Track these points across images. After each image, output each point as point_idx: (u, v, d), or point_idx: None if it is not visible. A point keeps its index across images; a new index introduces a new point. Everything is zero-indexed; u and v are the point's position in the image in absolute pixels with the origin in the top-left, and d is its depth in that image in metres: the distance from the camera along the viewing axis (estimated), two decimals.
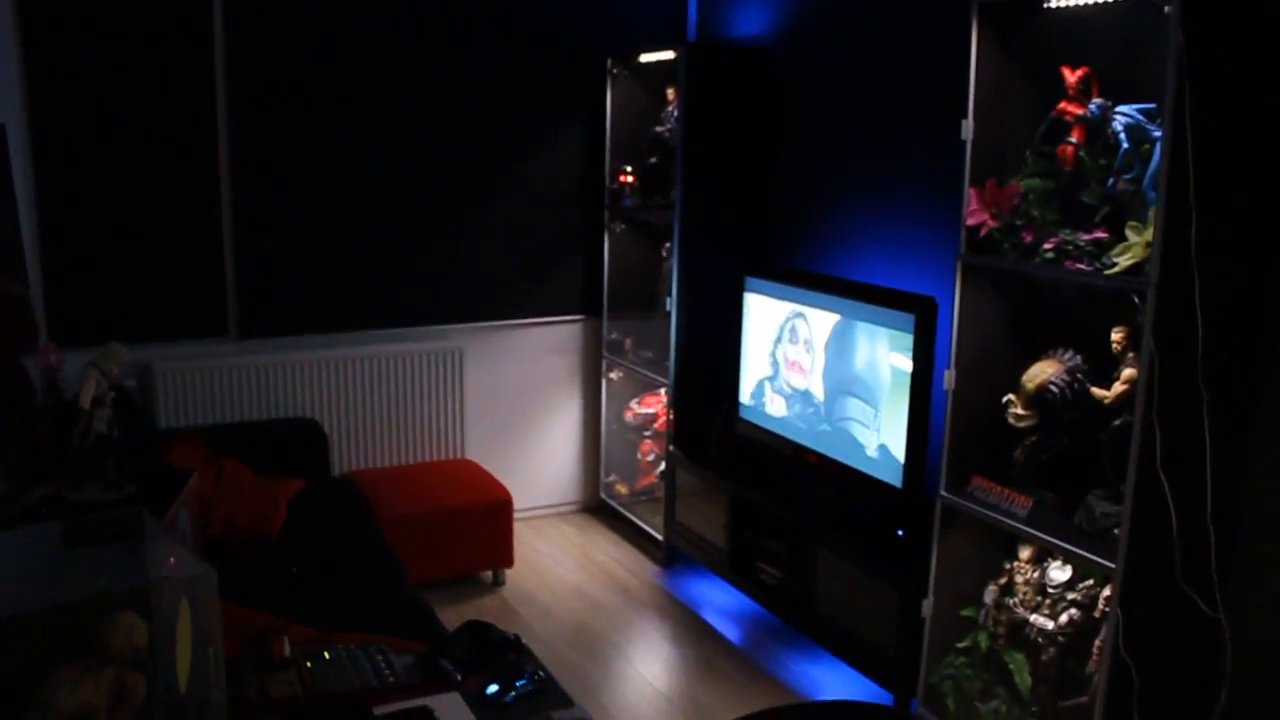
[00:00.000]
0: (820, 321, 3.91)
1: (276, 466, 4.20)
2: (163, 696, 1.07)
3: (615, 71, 5.01)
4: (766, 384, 4.26)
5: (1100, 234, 2.81)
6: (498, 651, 2.20)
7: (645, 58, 4.86)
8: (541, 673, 2.11)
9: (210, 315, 4.48)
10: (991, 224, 3.07)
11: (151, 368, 4.33)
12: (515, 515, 4.59)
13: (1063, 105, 2.95)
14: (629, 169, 4.99)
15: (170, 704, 1.24)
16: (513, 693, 2.02)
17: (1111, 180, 2.83)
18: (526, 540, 5.01)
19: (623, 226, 5.15)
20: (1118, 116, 2.83)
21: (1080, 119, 2.92)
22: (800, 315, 4.02)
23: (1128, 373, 2.83)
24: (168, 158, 4.28)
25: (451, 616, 2.69)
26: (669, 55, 4.66)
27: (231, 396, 4.49)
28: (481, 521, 4.47)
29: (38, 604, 0.96)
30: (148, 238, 4.30)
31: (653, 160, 4.85)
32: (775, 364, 4.19)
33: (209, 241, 4.42)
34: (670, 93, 4.82)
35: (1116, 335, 2.86)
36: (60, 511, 2.20)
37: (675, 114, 4.65)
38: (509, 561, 4.57)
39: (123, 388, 3.94)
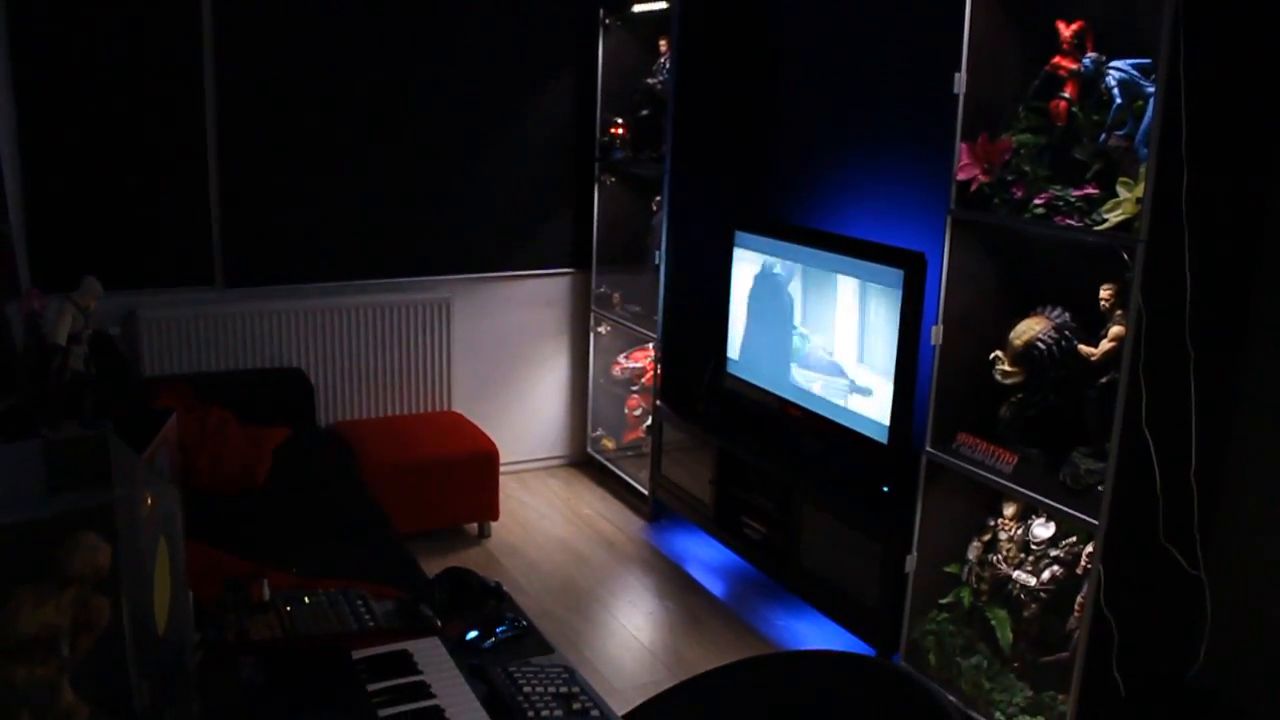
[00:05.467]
0: (809, 276, 3.89)
1: (262, 416, 4.19)
2: (131, 620, 1.06)
3: (607, 22, 4.95)
4: (754, 337, 4.25)
5: (1091, 190, 2.79)
6: (478, 598, 2.20)
7: (638, 8, 4.80)
8: (522, 620, 2.11)
9: (196, 263, 4.44)
10: (982, 179, 3.05)
11: (136, 315, 4.30)
12: (501, 468, 4.59)
13: (1056, 60, 2.92)
14: (620, 121, 4.95)
15: (145, 639, 1.23)
16: (492, 639, 2.02)
17: (1103, 136, 2.81)
18: (512, 493, 5.01)
19: (613, 179, 5.11)
20: (1111, 72, 2.80)
21: (1074, 74, 2.89)
22: (790, 269, 4.00)
23: (1115, 330, 2.82)
24: (154, 103, 4.23)
25: (436, 568, 2.68)
26: (662, 6, 4.60)
27: (217, 345, 4.46)
28: (467, 474, 4.47)
29: None
30: (133, 184, 4.25)
31: (644, 113, 4.80)
32: (763, 318, 4.18)
33: (195, 188, 4.38)
34: (663, 44, 4.77)
35: (1105, 292, 2.85)
36: (22, 432, 2.20)
37: (667, 66, 4.61)
38: (494, 514, 4.57)
39: (105, 333, 3.93)
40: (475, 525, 4.61)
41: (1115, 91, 2.77)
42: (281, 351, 4.60)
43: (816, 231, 4.10)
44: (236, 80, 4.36)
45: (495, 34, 4.82)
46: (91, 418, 2.08)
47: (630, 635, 3.86)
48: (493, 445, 4.56)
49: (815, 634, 3.88)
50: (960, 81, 3.05)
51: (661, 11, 4.64)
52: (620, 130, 4.94)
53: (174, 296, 4.42)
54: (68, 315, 2.25)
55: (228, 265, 4.49)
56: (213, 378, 4.38)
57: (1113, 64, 2.81)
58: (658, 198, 4.75)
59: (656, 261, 4.68)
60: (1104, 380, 2.86)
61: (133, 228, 4.29)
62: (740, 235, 4.30)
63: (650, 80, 4.85)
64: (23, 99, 4.00)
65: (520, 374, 5.27)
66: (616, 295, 5.17)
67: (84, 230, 4.19)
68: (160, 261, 4.38)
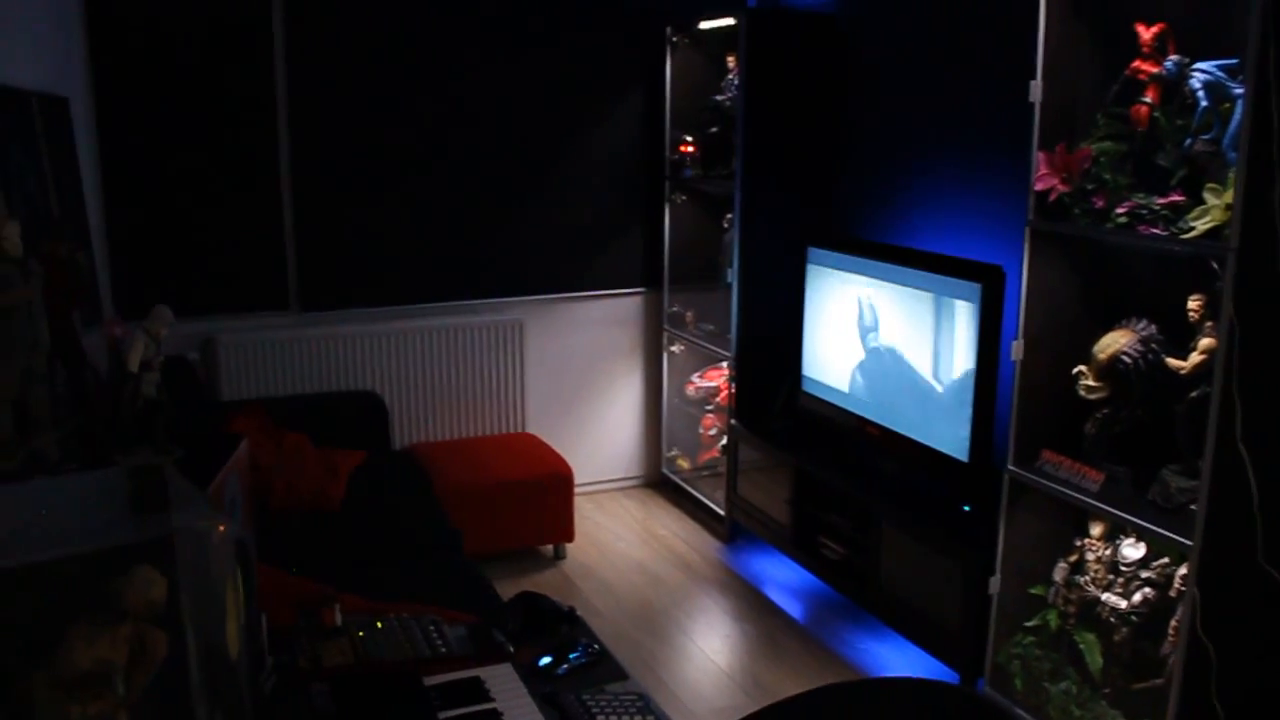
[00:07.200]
0: (885, 292, 3.83)
1: (337, 439, 4.22)
2: (198, 651, 1.04)
3: (675, 39, 4.94)
4: (830, 355, 4.19)
5: (1176, 197, 2.70)
6: (551, 623, 2.17)
7: (705, 25, 4.78)
8: (596, 645, 2.08)
9: (272, 288, 4.51)
10: (1061, 189, 2.97)
11: (214, 340, 4.37)
12: (576, 489, 4.57)
13: (1136, 64, 2.84)
14: (689, 139, 4.92)
15: (214, 667, 1.22)
16: (565, 665, 1.99)
17: (1189, 141, 2.71)
18: (587, 514, 4.99)
19: (683, 197, 5.09)
20: (1196, 74, 2.71)
21: (1155, 78, 2.80)
22: (864, 285, 3.94)
23: (1205, 342, 2.72)
24: (230, 132, 4.31)
25: (511, 590, 2.67)
26: (729, 22, 4.58)
27: (293, 369, 4.52)
28: (542, 495, 4.46)
29: (53, 556, 0.94)
30: (210, 212, 4.34)
31: (713, 130, 4.78)
32: (839, 334, 4.11)
33: (271, 215, 4.45)
34: (731, 61, 4.74)
35: (1193, 303, 2.75)
36: (97, 459, 2.24)
37: (736, 82, 4.57)
38: (569, 536, 4.55)
39: (184, 358, 3.98)
40: (550, 547, 4.60)
41: (1200, 94, 2.68)
42: (356, 374, 4.64)
43: (891, 246, 4.03)
44: (309, 108, 4.42)
45: (563, 54, 4.83)
46: (163, 444, 2.11)
47: (707, 659, 3.80)
48: (567, 466, 4.55)
49: (896, 657, 3.79)
50: (1036, 89, 2.98)
51: (729, 28, 4.62)
52: (690, 148, 4.92)
53: (251, 322, 4.49)
54: (139, 343, 2.28)
55: (303, 290, 4.55)
56: (289, 401, 4.43)
57: (1197, 66, 2.71)
58: (729, 215, 4.71)
59: (729, 279, 4.64)
60: (1194, 394, 2.76)
61: (210, 255, 4.37)
62: (813, 251, 4.24)
63: (719, 97, 4.82)
64: (104, 134, 4.10)
65: (594, 394, 5.26)
66: (689, 314, 5.14)
67: (163, 259, 4.28)
68: (237, 288, 4.45)
